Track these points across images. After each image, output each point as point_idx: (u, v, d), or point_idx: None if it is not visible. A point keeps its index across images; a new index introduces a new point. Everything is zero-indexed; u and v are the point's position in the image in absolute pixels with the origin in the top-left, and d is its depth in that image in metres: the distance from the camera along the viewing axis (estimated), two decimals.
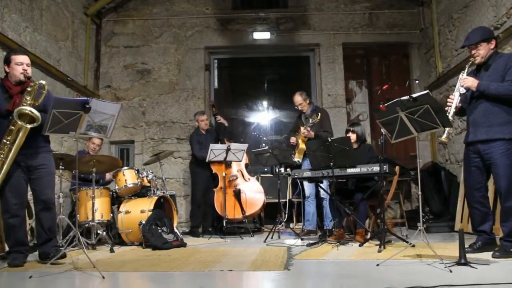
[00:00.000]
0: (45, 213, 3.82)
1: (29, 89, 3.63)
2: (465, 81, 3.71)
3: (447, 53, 6.84)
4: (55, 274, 3.29)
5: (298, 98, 5.91)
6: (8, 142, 3.56)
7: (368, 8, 7.87)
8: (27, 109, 3.52)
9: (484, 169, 3.79)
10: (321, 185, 5.47)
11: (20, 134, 3.56)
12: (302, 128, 5.70)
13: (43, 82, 3.66)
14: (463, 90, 3.76)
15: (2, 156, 3.56)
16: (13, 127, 3.56)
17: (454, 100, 3.76)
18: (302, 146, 5.68)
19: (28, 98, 3.60)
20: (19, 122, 3.51)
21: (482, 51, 3.74)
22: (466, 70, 3.82)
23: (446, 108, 3.70)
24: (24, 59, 3.73)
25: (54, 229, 4.02)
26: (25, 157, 3.70)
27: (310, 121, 5.58)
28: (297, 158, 5.74)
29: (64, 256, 3.72)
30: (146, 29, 7.89)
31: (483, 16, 5.70)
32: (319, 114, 5.61)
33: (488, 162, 3.71)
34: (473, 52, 3.79)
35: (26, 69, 3.70)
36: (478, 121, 3.75)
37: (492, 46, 3.76)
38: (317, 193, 5.81)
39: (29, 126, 3.52)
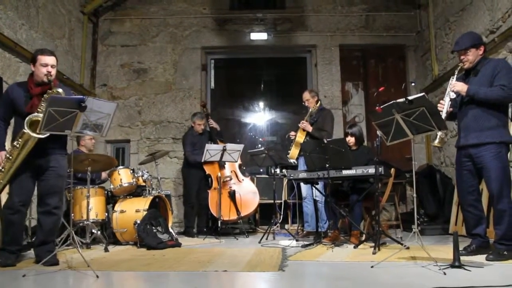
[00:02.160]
0: (47, 217, 3.77)
1: (46, 96, 3.59)
2: (455, 86, 3.73)
3: (443, 56, 6.87)
4: (49, 273, 3.28)
5: (305, 94, 5.98)
6: (18, 146, 3.55)
7: (365, 10, 7.89)
8: (40, 116, 3.46)
9: (476, 173, 3.81)
10: (316, 186, 5.49)
11: (29, 143, 3.55)
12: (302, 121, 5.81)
13: (60, 90, 3.65)
14: (453, 95, 3.79)
15: (11, 158, 3.57)
16: (25, 131, 3.53)
17: (445, 105, 3.78)
18: (299, 139, 5.75)
19: (43, 105, 3.54)
20: (28, 132, 3.49)
21: (471, 57, 3.77)
22: (455, 76, 3.84)
23: None
24: (50, 60, 3.68)
25: (54, 232, 3.93)
26: (37, 159, 3.67)
27: (310, 110, 5.78)
28: (292, 152, 5.76)
29: (57, 263, 3.62)
30: (143, 28, 7.88)
31: (479, 20, 5.73)
32: (319, 101, 5.84)
33: (479, 165, 3.74)
34: (462, 57, 3.82)
35: (50, 71, 3.66)
36: (468, 126, 3.78)
37: (481, 52, 3.79)
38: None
39: (36, 136, 3.49)
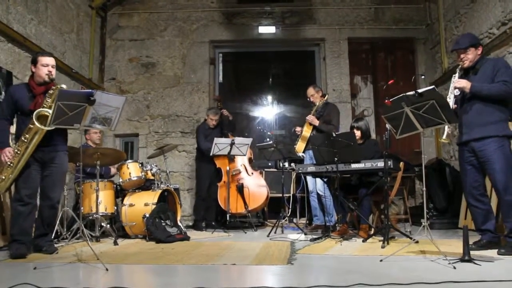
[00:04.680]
0: (50, 210, 4.02)
1: (50, 91, 3.83)
2: (459, 83, 3.79)
3: None
4: (59, 266, 3.31)
5: (310, 90, 6.02)
6: (26, 140, 3.74)
7: (374, 3, 7.82)
8: (48, 111, 3.67)
9: (480, 168, 3.82)
10: (321, 179, 5.52)
11: (37, 136, 3.74)
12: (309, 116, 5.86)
13: (64, 86, 3.85)
14: (457, 92, 3.85)
15: (19, 152, 3.76)
16: (32, 126, 3.74)
17: (450, 103, 3.79)
18: (305, 134, 5.82)
19: (49, 100, 3.80)
20: (37, 124, 3.69)
21: (471, 56, 3.89)
22: (457, 74, 3.91)
23: None
24: (50, 61, 3.94)
25: (54, 225, 4.28)
26: (42, 153, 3.88)
27: (316, 105, 5.86)
28: (299, 146, 5.78)
29: (56, 251, 3.90)
30: (151, 22, 7.88)
31: (490, 11, 5.65)
32: (326, 95, 5.96)
33: (482, 159, 3.75)
34: (462, 56, 3.92)
35: (51, 70, 3.92)
36: (471, 121, 3.82)
37: (479, 52, 3.92)
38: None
39: (45, 128, 3.70)
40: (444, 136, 3.79)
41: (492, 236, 3.81)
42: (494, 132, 3.70)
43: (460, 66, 3.95)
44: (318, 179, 5.63)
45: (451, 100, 3.79)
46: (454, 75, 3.90)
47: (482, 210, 3.83)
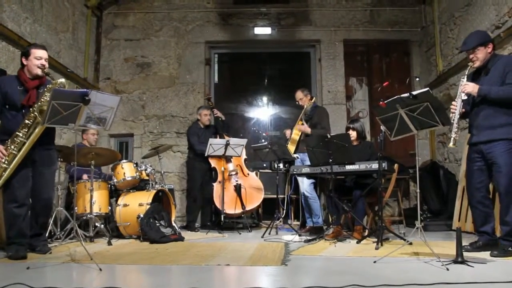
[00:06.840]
0: (44, 210, 3.97)
1: (49, 86, 3.70)
2: (466, 88, 3.72)
3: (448, 52, 6.83)
4: (52, 266, 3.29)
5: (298, 94, 6.03)
6: (23, 136, 3.61)
7: (370, 5, 7.84)
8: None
9: (486, 169, 3.81)
10: (306, 182, 5.53)
11: (36, 131, 3.62)
12: (299, 122, 5.86)
13: (63, 80, 3.76)
14: (464, 97, 3.78)
15: (15, 149, 3.62)
16: (28, 122, 3.61)
17: (457, 107, 3.77)
18: (295, 136, 5.88)
19: (47, 95, 3.61)
20: (40, 118, 3.54)
21: (480, 55, 3.77)
22: (465, 76, 3.84)
23: (451, 115, 3.72)
24: (43, 53, 3.79)
25: (47, 225, 4.22)
26: (33, 151, 3.74)
27: (305, 108, 5.86)
28: (288, 149, 5.80)
29: (49, 251, 3.83)
30: (146, 22, 7.86)
31: (485, 15, 5.68)
32: (314, 98, 6.00)
33: (490, 161, 3.74)
34: (471, 56, 3.82)
35: (45, 64, 3.76)
36: (480, 124, 3.79)
37: (490, 50, 3.79)
38: (315, 189, 5.84)
39: (45, 124, 3.50)
40: (451, 143, 3.67)
41: (489, 239, 3.82)
42: (502, 135, 3.66)
43: (469, 66, 3.84)
44: (305, 180, 5.65)
45: (458, 105, 3.75)
46: (462, 78, 3.82)
47: (482, 212, 3.84)
